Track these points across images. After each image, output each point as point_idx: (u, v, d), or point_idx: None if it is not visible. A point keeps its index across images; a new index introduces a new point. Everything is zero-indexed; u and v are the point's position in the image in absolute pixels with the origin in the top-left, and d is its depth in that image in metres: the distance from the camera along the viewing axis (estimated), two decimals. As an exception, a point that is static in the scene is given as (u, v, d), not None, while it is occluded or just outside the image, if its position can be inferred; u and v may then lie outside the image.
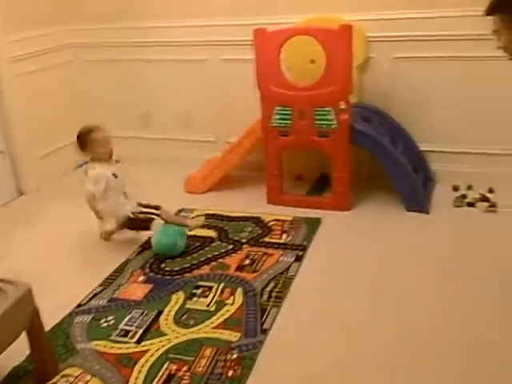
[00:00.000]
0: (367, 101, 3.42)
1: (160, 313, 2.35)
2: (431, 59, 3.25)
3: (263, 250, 2.82)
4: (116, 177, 2.90)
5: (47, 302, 2.08)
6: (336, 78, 2.94)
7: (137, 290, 2.55)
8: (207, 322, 2.27)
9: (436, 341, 2.07)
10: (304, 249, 2.80)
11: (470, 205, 3.10)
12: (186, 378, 1.96)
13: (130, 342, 2.17)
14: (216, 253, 2.82)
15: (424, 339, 2.08)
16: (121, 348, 2.15)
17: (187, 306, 2.39)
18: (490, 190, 3.21)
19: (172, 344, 2.14)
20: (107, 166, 2.91)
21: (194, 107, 3.92)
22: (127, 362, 2.06)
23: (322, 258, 2.72)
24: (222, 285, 2.53)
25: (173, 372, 1.99)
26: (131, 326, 2.28)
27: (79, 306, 2.45)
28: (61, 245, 2.99)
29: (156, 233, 2.84)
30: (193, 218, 3.21)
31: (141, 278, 2.64)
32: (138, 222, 2.94)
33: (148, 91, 4.01)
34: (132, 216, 2.93)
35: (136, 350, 2.13)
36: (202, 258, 2.78)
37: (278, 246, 2.85)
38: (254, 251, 2.81)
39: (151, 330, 2.24)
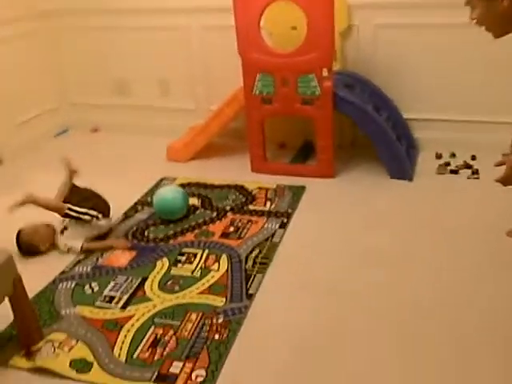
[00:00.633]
0: (350, 68, 3.41)
1: (145, 279, 2.34)
2: (413, 26, 3.22)
3: (247, 217, 2.81)
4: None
5: (30, 269, 2.05)
6: (318, 44, 2.90)
7: (120, 257, 2.53)
8: (192, 288, 2.26)
9: (421, 303, 2.10)
10: (288, 216, 2.80)
11: (454, 172, 3.12)
12: (171, 341, 1.96)
13: (114, 308, 2.16)
14: (200, 220, 2.81)
15: (409, 302, 2.11)
16: (106, 314, 2.14)
17: (172, 272, 2.39)
18: (473, 157, 3.24)
19: (158, 309, 2.14)
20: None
21: (173, 75, 3.85)
22: (113, 326, 2.06)
23: (306, 224, 2.73)
24: (206, 251, 2.52)
25: (159, 336, 1.99)
26: (116, 292, 2.27)
27: (63, 272, 2.43)
28: (41, 213, 2.93)
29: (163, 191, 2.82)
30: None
31: (124, 246, 2.62)
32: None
33: (127, 59, 3.92)
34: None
35: (121, 315, 2.12)
36: (186, 226, 2.76)
37: (262, 213, 2.85)
38: (238, 218, 2.80)
39: (136, 296, 2.23)
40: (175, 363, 1.87)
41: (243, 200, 3.00)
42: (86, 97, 4.11)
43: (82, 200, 2.72)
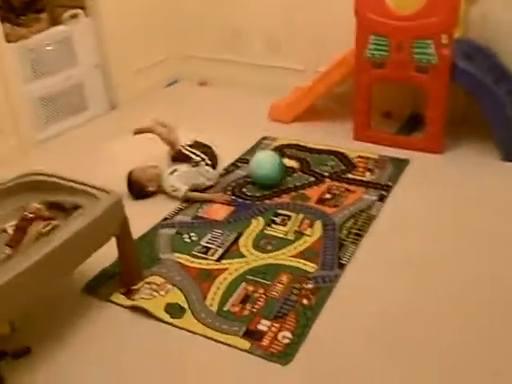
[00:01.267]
0: (472, 37, 3.16)
1: (240, 235, 2.40)
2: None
3: (345, 185, 2.77)
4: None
5: (136, 213, 2.17)
6: (440, 7, 2.71)
7: (219, 211, 2.60)
8: (284, 250, 2.29)
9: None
10: (388, 189, 2.72)
11: None
12: (261, 300, 2.02)
13: (210, 259, 2.25)
14: (297, 183, 2.81)
15: (500, 292, 2.01)
16: (201, 263, 2.23)
17: (266, 231, 2.42)
18: None
19: (250, 266, 2.20)
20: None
21: (285, 33, 3.79)
22: (206, 276, 2.14)
23: (406, 200, 2.64)
24: (301, 215, 2.53)
25: (249, 293, 2.05)
26: (212, 243, 2.35)
27: (165, 219, 2.55)
28: (149, 156, 3.03)
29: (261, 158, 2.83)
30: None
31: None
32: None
33: (242, 13, 3.90)
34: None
35: (216, 267, 2.20)
36: (283, 187, 2.77)
37: (361, 183, 2.79)
38: (335, 186, 2.77)
39: (231, 251, 2.30)
40: (263, 321, 1.92)
41: (342, 167, 2.95)
42: (197, 49, 4.18)
43: (193, 145, 2.86)
